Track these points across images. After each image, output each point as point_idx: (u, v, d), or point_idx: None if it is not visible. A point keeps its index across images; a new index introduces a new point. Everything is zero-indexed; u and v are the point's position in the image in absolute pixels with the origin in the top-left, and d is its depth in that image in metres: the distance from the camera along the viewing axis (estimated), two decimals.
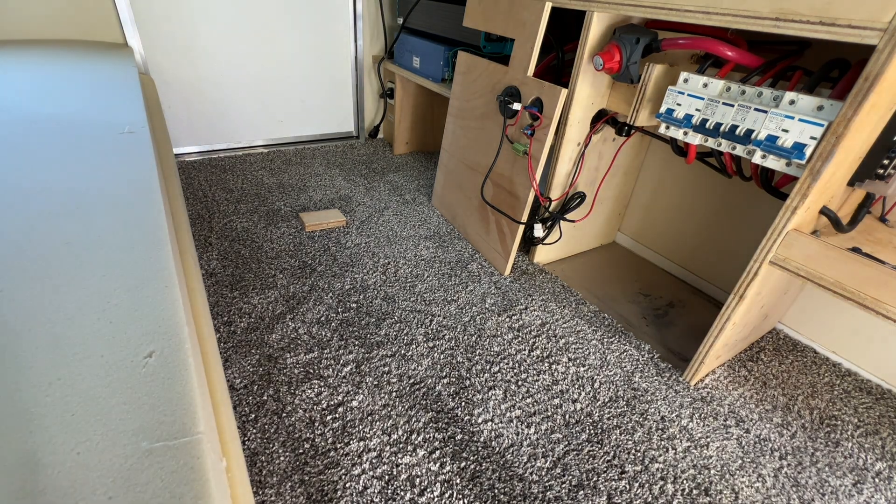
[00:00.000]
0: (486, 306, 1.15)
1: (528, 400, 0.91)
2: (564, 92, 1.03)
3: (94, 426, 0.30)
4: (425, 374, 0.95)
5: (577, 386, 0.95)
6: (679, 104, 0.87)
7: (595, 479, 0.78)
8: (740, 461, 0.83)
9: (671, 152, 1.27)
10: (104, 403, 0.31)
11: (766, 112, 0.75)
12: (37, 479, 0.26)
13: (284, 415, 0.84)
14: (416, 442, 0.81)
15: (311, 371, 0.93)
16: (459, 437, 0.83)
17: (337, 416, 0.84)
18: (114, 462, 0.27)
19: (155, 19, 1.58)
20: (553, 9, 1.06)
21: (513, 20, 1.13)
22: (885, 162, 0.73)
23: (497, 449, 0.81)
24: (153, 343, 0.37)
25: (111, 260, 0.46)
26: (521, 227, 1.20)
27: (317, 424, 0.82)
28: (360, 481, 0.74)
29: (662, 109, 0.89)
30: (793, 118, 0.72)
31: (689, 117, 0.86)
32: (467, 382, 0.94)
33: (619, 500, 0.75)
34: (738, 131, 0.79)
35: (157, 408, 0.31)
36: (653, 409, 0.92)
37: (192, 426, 0.30)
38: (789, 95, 0.73)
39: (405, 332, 1.05)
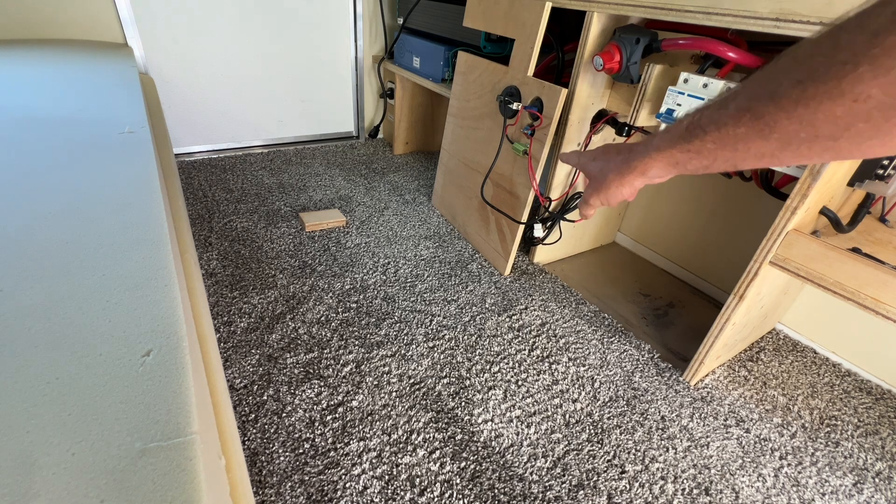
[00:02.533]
0: (486, 306, 1.15)
1: (528, 400, 0.91)
2: (564, 92, 1.03)
3: (91, 425, 0.29)
4: (425, 374, 0.95)
5: (577, 386, 0.95)
6: (679, 104, 0.87)
7: (595, 478, 0.78)
8: (740, 461, 0.83)
9: None
10: (101, 402, 0.31)
11: None
12: (32, 481, 0.26)
13: (284, 415, 0.84)
14: (416, 442, 0.81)
15: (311, 371, 0.93)
16: (459, 437, 0.83)
17: (337, 416, 0.84)
18: (108, 463, 0.27)
19: (155, 19, 1.58)
20: (553, 9, 1.06)
21: (513, 20, 1.13)
22: (885, 162, 0.73)
23: (497, 449, 0.81)
24: (151, 341, 0.37)
25: (111, 259, 0.46)
26: (521, 227, 1.20)
27: (317, 424, 0.82)
28: (360, 481, 0.74)
29: (662, 110, 0.89)
30: None
31: None
32: (467, 382, 0.94)
33: (620, 500, 0.75)
34: None
35: (152, 407, 0.31)
36: (653, 409, 0.91)
37: (186, 426, 0.30)
38: None
39: (405, 332, 1.05)
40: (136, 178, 0.62)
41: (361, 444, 0.80)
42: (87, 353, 0.35)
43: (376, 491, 0.73)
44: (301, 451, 0.78)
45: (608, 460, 0.81)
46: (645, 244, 1.45)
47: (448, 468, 0.77)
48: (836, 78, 0.27)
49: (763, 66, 0.33)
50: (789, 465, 0.83)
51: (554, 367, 0.99)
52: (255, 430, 0.80)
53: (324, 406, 0.86)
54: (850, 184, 0.78)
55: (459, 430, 0.84)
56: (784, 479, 0.81)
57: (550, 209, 1.23)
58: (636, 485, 0.78)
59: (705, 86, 0.83)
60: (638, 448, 0.84)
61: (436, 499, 0.73)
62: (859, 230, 0.84)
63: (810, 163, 0.34)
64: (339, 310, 1.10)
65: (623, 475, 0.79)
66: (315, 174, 1.78)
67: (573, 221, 1.29)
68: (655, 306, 1.23)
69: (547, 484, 0.77)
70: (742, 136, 0.34)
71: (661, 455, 0.83)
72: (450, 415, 0.87)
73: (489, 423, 0.86)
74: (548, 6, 1.04)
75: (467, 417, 0.86)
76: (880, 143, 0.29)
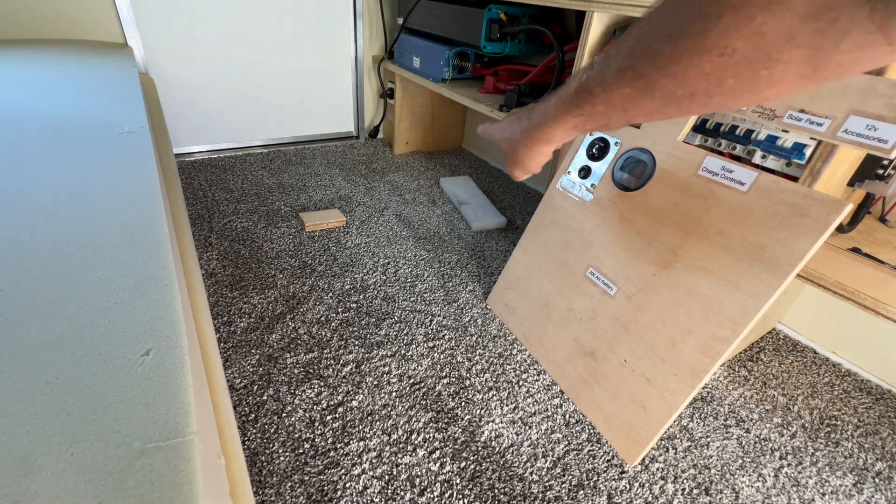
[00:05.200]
0: (487, 306, 1.15)
1: (529, 400, 0.91)
2: None
3: (90, 425, 0.29)
4: (425, 374, 0.95)
5: None
6: None
7: (595, 478, 0.78)
8: (741, 461, 0.83)
9: None
10: (100, 402, 0.31)
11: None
12: (31, 482, 0.26)
13: (284, 415, 0.84)
14: (416, 442, 0.81)
15: (311, 371, 0.93)
16: (459, 437, 0.83)
17: (337, 416, 0.84)
18: (106, 464, 0.27)
19: (155, 19, 1.58)
20: (553, 9, 1.06)
21: None
22: (885, 162, 0.73)
23: (497, 449, 0.81)
24: (150, 341, 0.37)
25: (110, 259, 0.46)
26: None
27: (317, 424, 0.82)
28: (360, 481, 0.74)
29: None
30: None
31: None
32: (467, 382, 0.94)
33: (620, 500, 0.75)
34: (738, 131, 0.79)
35: (151, 406, 0.31)
36: None
37: (184, 426, 0.30)
38: None
39: (405, 332, 1.05)
40: (136, 178, 0.62)
41: (361, 444, 0.80)
42: (87, 352, 0.35)
43: (376, 491, 0.73)
44: (301, 451, 0.78)
45: (608, 460, 0.81)
46: None
47: (448, 468, 0.77)
48: (703, 31, 0.25)
49: (641, 19, 0.31)
50: (789, 465, 0.83)
51: None
52: (255, 430, 0.80)
53: (324, 406, 0.86)
54: (850, 184, 0.78)
55: (459, 430, 0.84)
56: (784, 479, 0.81)
57: None
58: (636, 485, 0.78)
59: None
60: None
61: (436, 499, 0.73)
62: (859, 230, 0.84)
63: (698, 114, 0.34)
64: (339, 310, 1.10)
65: (623, 475, 0.79)
66: (315, 174, 1.78)
67: None
68: None
69: (547, 484, 0.77)
70: (628, 95, 0.33)
71: (661, 455, 0.83)
72: (450, 415, 0.87)
73: (489, 423, 0.86)
74: None
75: (467, 417, 0.86)
76: (752, 97, 0.28)
